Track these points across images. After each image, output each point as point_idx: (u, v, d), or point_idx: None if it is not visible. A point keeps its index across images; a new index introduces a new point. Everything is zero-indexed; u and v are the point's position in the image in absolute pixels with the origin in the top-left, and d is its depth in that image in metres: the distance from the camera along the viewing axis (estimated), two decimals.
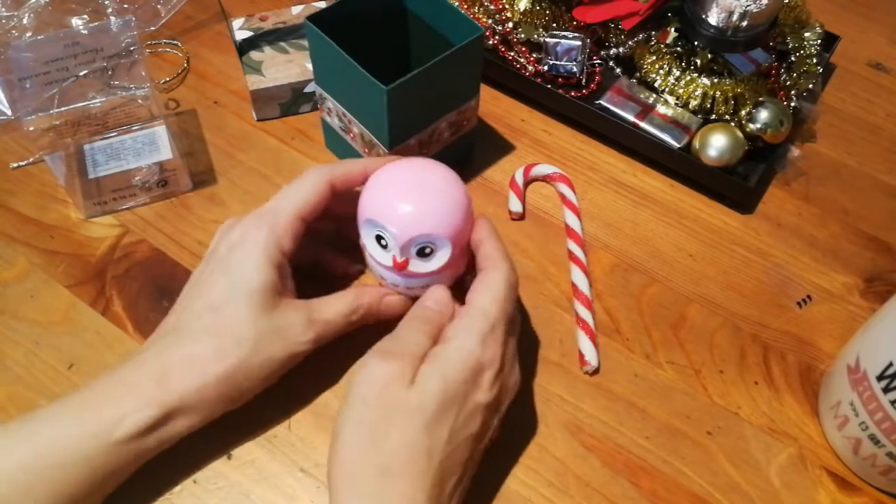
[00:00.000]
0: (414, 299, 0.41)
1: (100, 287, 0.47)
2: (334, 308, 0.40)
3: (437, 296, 0.40)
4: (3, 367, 0.43)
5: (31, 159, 0.52)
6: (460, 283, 0.42)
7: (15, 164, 0.52)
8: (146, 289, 0.47)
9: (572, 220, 0.52)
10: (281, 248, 0.38)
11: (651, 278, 0.50)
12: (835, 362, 0.44)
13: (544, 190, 0.54)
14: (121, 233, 0.49)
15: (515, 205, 0.52)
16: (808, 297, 0.49)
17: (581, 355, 0.45)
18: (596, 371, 0.45)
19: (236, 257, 0.38)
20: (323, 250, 0.46)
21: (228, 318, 0.37)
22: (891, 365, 0.37)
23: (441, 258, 0.40)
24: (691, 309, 0.48)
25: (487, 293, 0.38)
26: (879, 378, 0.37)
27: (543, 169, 0.54)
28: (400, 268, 0.40)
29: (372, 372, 0.35)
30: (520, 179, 0.53)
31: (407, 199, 0.39)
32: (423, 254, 0.39)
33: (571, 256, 0.50)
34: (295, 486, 0.40)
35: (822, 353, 0.47)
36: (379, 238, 0.40)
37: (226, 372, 0.36)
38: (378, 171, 0.41)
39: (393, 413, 0.34)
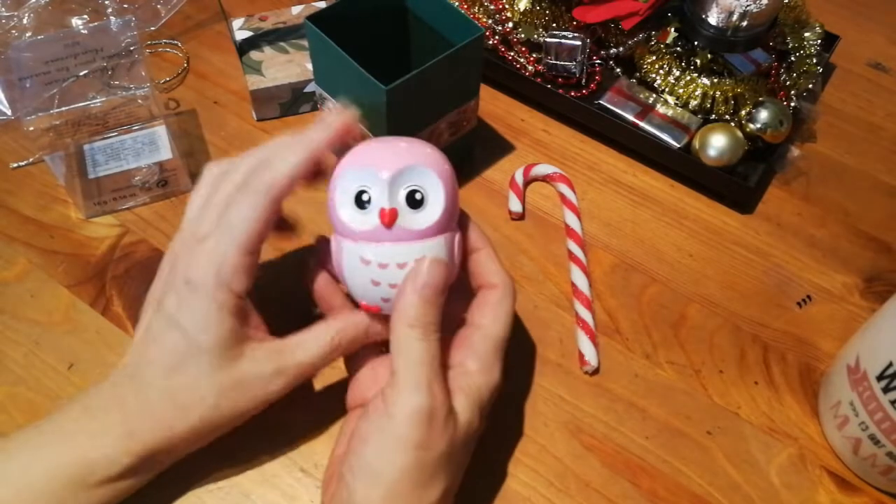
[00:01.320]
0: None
1: (100, 287, 0.47)
2: (310, 350, 0.36)
3: (430, 278, 0.34)
4: (3, 367, 0.43)
5: (31, 159, 0.52)
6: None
7: (15, 164, 0.52)
8: (146, 289, 0.47)
9: (572, 220, 0.52)
10: (234, 292, 0.35)
11: (651, 278, 0.50)
12: (835, 362, 0.44)
13: (544, 190, 0.54)
14: (121, 233, 0.49)
15: (515, 205, 0.52)
16: (808, 297, 0.49)
17: (581, 355, 0.45)
18: (596, 371, 0.45)
19: (188, 308, 0.34)
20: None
21: (189, 378, 0.34)
22: (891, 365, 0.37)
23: (434, 208, 0.35)
24: (691, 309, 0.48)
25: (498, 315, 0.37)
26: (879, 378, 0.37)
27: (543, 169, 0.54)
28: (389, 220, 0.34)
29: (420, 411, 0.32)
30: (520, 179, 0.53)
31: (393, 144, 0.36)
32: (413, 201, 0.35)
33: (571, 256, 0.50)
34: (295, 486, 0.40)
35: (822, 353, 0.47)
36: (360, 195, 0.35)
37: (191, 428, 0.35)
38: (355, 147, 0.37)
39: (444, 454, 0.33)
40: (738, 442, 0.43)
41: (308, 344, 0.36)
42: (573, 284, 0.48)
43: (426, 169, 0.35)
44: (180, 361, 0.34)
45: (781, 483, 0.41)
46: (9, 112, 0.44)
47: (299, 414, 0.42)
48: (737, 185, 0.52)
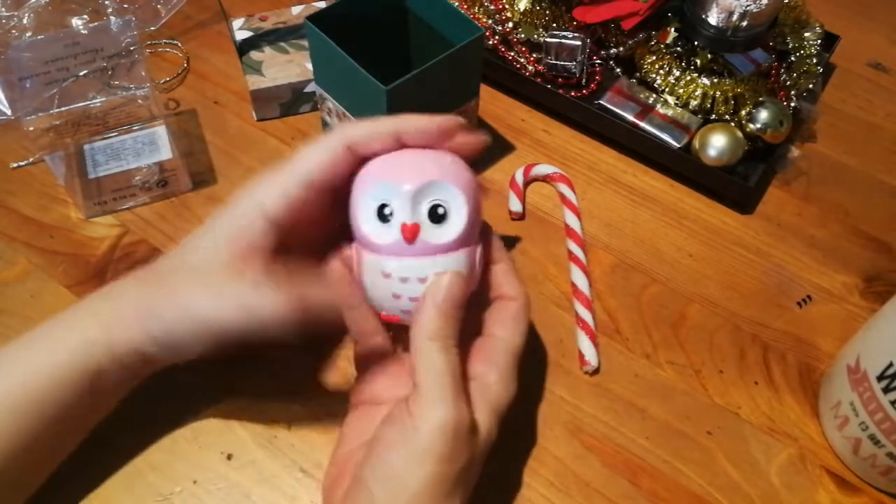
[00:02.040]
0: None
1: (100, 287, 0.47)
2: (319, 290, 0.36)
3: (449, 293, 0.34)
4: None
5: (31, 159, 0.52)
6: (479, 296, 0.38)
7: (15, 164, 0.52)
8: None
9: (572, 220, 0.52)
10: (266, 212, 0.35)
11: (651, 278, 0.50)
12: (835, 362, 0.44)
13: (544, 190, 0.54)
14: (121, 233, 0.49)
15: (515, 205, 0.52)
16: (808, 296, 0.49)
17: (581, 355, 0.45)
18: (596, 371, 0.45)
19: (223, 217, 0.36)
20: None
21: (198, 262, 0.35)
22: (891, 365, 0.37)
23: (456, 223, 0.35)
24: (691, 309, 0.48)
25: (517, 327, 0.37)
26: (879, 378, 0.38)
27: (543, 169, 0.54)
28: (411, 235, 0.34)
29: (446, 425, 0.32)
30: (520, 179, 0.53)
31: (416, 156, 0.36)
32: (435, 215, 0.35)
33: (571, 256, 0.50)
34: (295, 486, 0.40)
35: (822, 353, 0.47)
36: (382, 208, 0.35)
37: (184, 320, 0.35)
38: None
39: (466, 466, 0.33)
40: (738, 442, 0.43)
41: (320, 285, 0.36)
42: (573, 284, 0.48)
43: (449, 185, 0.35)
44: (196, 246, 0.36)
45: (781, 483, 0.41)
46: (9, 112, 0.44)
47: (300, 414, 0.42)
48: (737, 185, 0.52)
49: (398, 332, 0.39)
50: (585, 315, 0.47)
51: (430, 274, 0.34)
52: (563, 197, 0.53)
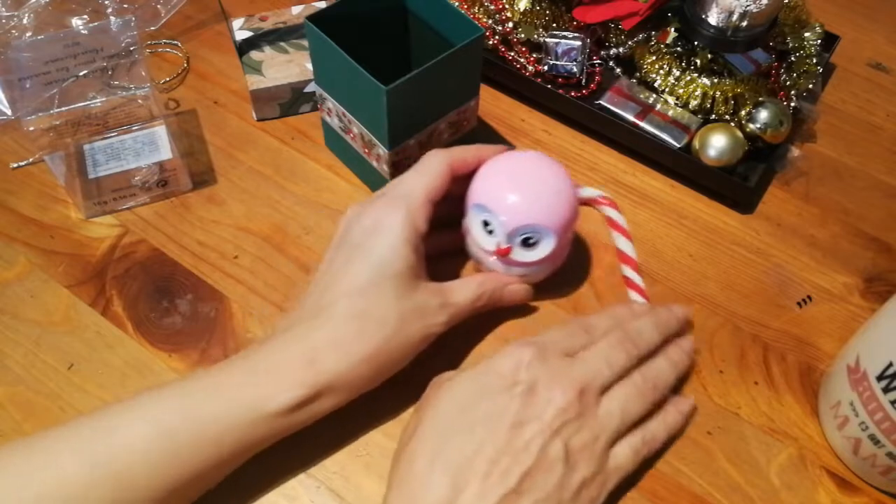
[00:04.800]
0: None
1: (100, 287, 0.47)
2: (462, 293, 0.41)
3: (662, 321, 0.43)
4: (3, 367, 0.43)
5: (31, 159, 0.52)
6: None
7: (15, 164, 0.52)
8: (146, 289, 0.47)
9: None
10: (417, 230, 0.40)
11: (651, 278, 0.50)
12: (835, 362, 0.44)
13: None
14: (121, 233, 0.49)
15: None
16: (808, 297, 0.49)
17: None
18: None
19: (376, 242, 0.39)
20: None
21: (373, 302, 0.38)
22: (891, 365, 0.37)
23: (543, 249, 0.42)
24: (691, 309, 0.48)
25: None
26: (879, 378, 0.38)
27: None
28: (503, 254, 0.42)
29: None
30: None
31: (519, 189, 0.41)
32: (526, 243, 0.42)
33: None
34: (295, 486, 0.40)
35: (822, 353, 0.47)
36: (486, 223, 0.42)
37: (369, 353, 0.37)
38: (492, 160, 0.43)
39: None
40: (738, 442, 0.43)
41: (461, 288, 0.42)
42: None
43: (544, 227, 0.41)
44: (366, 286, 0.38)
45: (781, 483, 0.41)
46: (9, 112, 0.44)
47: None
48: (737, 185, 0.52)
49: None
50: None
51: (516, 274, 0.44)
52: None
